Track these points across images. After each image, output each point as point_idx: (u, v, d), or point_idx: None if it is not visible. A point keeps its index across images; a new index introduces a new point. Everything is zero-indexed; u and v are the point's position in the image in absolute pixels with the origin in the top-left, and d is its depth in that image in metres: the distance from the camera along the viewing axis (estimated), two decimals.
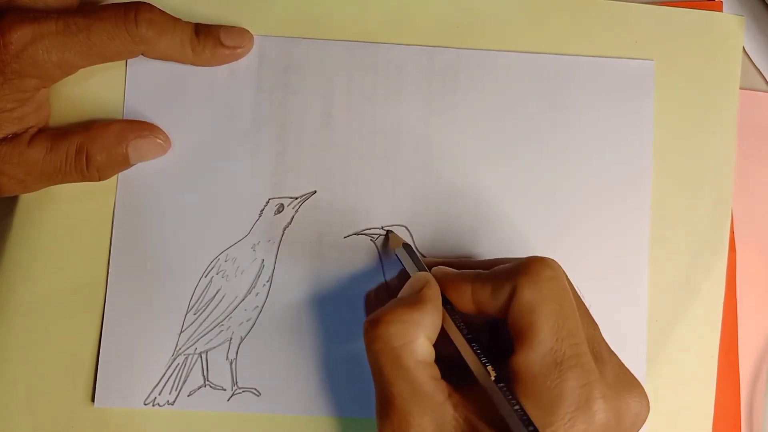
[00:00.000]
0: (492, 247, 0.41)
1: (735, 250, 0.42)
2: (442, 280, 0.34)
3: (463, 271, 0.35)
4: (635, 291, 0.41)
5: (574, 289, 0.35)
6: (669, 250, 0.41)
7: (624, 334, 0.41)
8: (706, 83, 0.42)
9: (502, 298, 0.32)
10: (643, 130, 0.42)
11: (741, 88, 0.42)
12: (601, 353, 0.33)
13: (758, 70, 0.44)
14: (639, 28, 0.42)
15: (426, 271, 0.36)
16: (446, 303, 0.34)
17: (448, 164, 0.41)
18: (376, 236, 0.40)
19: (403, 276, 0.38)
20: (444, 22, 0.42)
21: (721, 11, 0.43)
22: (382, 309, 0.33)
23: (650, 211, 0.41)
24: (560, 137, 0.41)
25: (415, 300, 0.33)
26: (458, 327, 0.33)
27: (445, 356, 0.33)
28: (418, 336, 0.32)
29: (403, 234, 0.40)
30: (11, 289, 0.39)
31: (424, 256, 0.40)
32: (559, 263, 0.34)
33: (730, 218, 0.42)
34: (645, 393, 0.33)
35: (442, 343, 0.33)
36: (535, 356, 0.31)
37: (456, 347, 0.33)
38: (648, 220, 0.41)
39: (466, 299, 0.34)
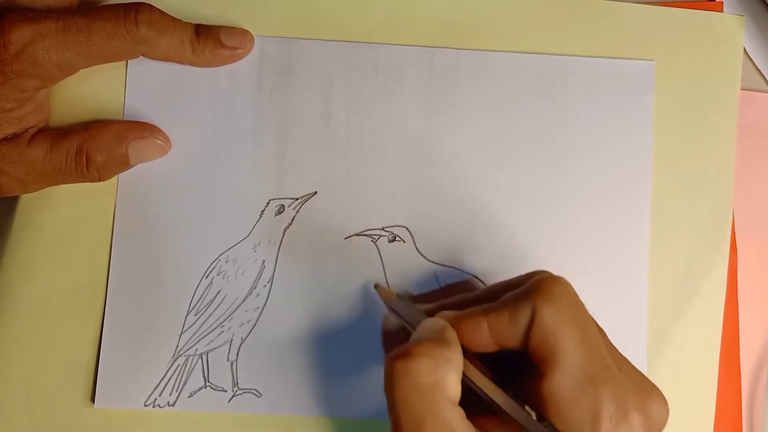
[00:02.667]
0: (492, 247, 0.41)
1: (736, 250, 0.42)
2: (453, 323, 0.32)
3: (471, 308, 0.33)
4: (635, 291, 0.41)
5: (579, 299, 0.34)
6: (669, 250, 0.41)
7: (624, 334, 0.41)
8: (707, 83, 0.42)
9: (522, 324, 0.31)
10: (644, 130, 0.42)
11: (741, 89, 0.42)
12: (618, 360, 0.32)
13: (758, 70, 0.44)
14: (639, 28, 0.42)
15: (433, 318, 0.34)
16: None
17: (448, 164, 0.41)
18: (376, 237, 0.40)
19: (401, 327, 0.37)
20: (444, 22, 0.42)
21: (722, 11, 0.43)
22: (410, 343, 0.31)
23: (650, 211, 0.41)
24: (560, 137, 0.41)
25: (442, 338, 0.31)
26: (482, 371, 0.31)
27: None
28: (449, 373, 0.30)
29: (403, 234, 0.40)
30: (11, 289, 0.39)
31: (413, 299, 0.39)
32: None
33: (730, 218, 0.42)
34: (664, 396, 0.32)
35: None
36: (566, 378, 0.30)
37: (479, 390, 0.31)
38: (648, 220, 0.41)
39: (483, 336, 0.32)
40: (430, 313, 0.34)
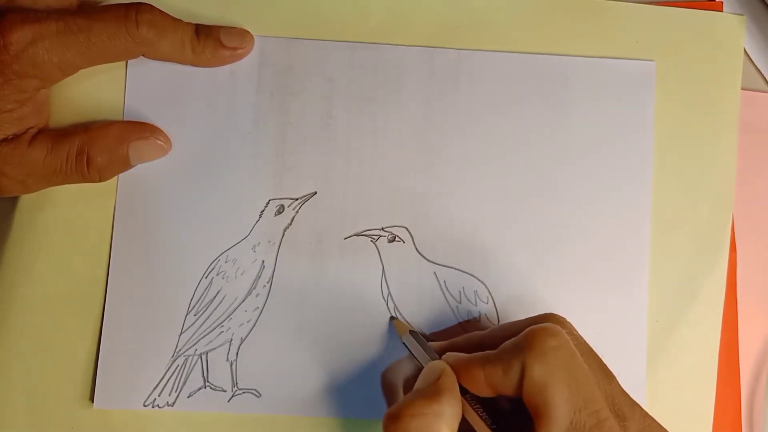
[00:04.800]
0: (491, 248, 0.41)
1: (736, 251, 0.42)
2: (454, 367, 0.33)
3: (473, 354, 0.34)
4: (635, 291, 0.41)
5: (584, 343, 0.34)
6: (670, 251, 0.41)
7: (624, 334, 0.41)
8: (707, 83, 0.42)
9: (514, 377, 0.31)
10: (644, 130, 0.42)
11: (741, 89, 0.42)
12: (623, 409, 0.32)
13: (758, 70, 0.44)
14: (640, 28, 0.42)
15: (437, 358, 0.35)
16: (464, 391, 0.33)
17: (448, 164, 0.41)
18: (376, 237, 0.40)
19: (411, 360, 0.38)
20: (444, 23, 0.42)
21: (722, 11, 0.43)
22: (401, 403, 0.32)
23: (651, 211, 0.41)
24: (561, 138, 0.41)
25: (433, 391, 0.32)
26: (480, 417, 0.32)
27: None
28: (439, 428, 0.31)
29: (402, 234, 0.40)
30: (11, 289, 0.39)
31: (427, 336, 0.39)
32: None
33: (731, 219, 0.42)
34: None
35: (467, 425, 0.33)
36: None
37: None
38: (649, 221, 0.41)
39: (480, 384, 0.32)
40: (440, 352, 0.35)
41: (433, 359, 0.35)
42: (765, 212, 0.43)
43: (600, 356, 0.34)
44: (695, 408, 0.41)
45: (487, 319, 0.40)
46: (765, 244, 0.43)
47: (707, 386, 0.41)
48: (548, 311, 0.35)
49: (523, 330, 0.33)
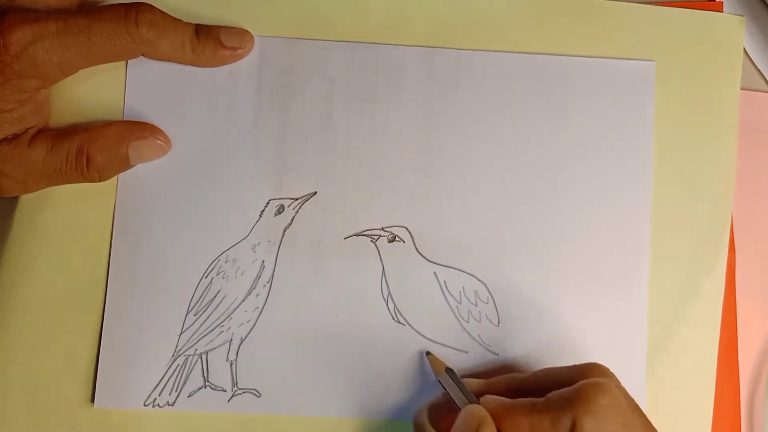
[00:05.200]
0: (492, 248, 0.41)
1: (735, 251, 0.42)
2: (495, 412, 0.33)
3: (518, 400, 0.33)
4: (635, 291, 0.41)
5: (630, 397, 0.33)
6: (669, 251, 0.41)
7: (624, 334, 0.41)
8: (707, 84, 0.42)
9: (562, 431, 0.31)
10: (644, 130, 0.42)
11: (741, 89, 0.42)
12: None
13: (758, 70, 0.44)
14: (640, 28, 0.42)
15: (475, 400, 0.34)
16: None
17: (448, 164, 0.41)
18: (376, 237, 0.40)
19: (445, 397, 0.37)
20: (444, 23, 0.42)
21: (722, 11, 0.43)
22: None
23: (651, 211, 0.41)
24: (561, 138, 0.41)
25: None
26: None
27: None
28: None
29: (402, 234, 0.40)
30: (11, 289, 0.39)
31: (444, 367, 0.39)
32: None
33: (730, 219, 0.42)
34: None
35: None
36: None
37: None
38: (649, 221, 0.41)
39: None
40: (477, 392, 0.35)
41: (470, 402, 0.34)
42: (765, 212, 0.43)
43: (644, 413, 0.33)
44: (695, 408, 0.41)
45: (488, 319, 0.40)
46: (765, 244, 0.43)
47: (707, 386, 0.41)
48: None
49: (568, 378, 0.32)
